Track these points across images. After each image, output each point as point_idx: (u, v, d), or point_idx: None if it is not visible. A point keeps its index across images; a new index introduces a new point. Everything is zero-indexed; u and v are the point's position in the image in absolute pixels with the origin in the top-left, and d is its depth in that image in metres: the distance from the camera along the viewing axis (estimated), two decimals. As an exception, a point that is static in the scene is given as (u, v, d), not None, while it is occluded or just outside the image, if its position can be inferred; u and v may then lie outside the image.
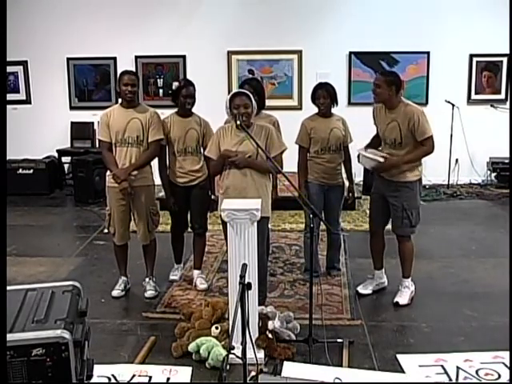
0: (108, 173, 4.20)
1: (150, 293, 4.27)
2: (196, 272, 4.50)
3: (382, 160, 3.86)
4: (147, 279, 4.35)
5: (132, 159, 4.10)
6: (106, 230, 4.54)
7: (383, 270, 4.30)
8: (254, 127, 3.81)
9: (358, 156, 4.06)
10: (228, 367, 2.85)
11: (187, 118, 4.25)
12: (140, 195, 4.17)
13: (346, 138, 4.38)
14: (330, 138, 4.30)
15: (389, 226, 4.17)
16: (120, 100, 4.18)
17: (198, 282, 4.43)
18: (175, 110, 4.31)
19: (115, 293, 4.30)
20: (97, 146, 8.31)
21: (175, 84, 4.24)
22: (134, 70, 7.85)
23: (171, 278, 4.57)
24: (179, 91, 4.18)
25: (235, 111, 3.70)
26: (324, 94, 4.25)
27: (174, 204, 4.34)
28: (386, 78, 3.85)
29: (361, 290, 4.25)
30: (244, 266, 2.58)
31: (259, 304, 3.73)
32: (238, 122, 3.68)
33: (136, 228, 4.28)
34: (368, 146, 4.10)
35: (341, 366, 3.21)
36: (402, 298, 4.06)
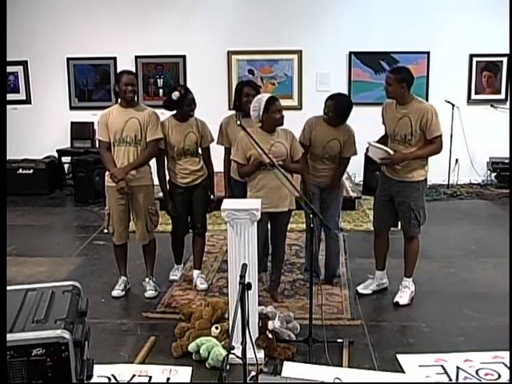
0: (107, 172, 4.20)
1: (150, 293, 4.27)
2: (196, 272, 4.50)
3: (391, 152, 3.87)
4: (147, 279, 4.35)
5: (130, 159, 4.10)
6: (105, 230, 4.54)
7: (385, 270, 4.30)
8: (278, 131, 3.95)
9: (367, 148, 4.04)
10: (228, 367, 2.84)
11: (185, 122, 4.24)
12: (138, 195, 4.17)
13: (346, 150, 4.22)
14: (326, 148, 4.20)
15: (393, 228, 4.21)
16: (119, 100, 4.17)
17: (198, 282, 4.43)
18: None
19: (115, 293, 4.30)
20: (97, 145, 8.31)
21: (175, 94, 4.10)
22: (133, 69, 7.87)
23: (171, 278, 4.57)
24: (182, 100, 4.11)
25: (277, 115, 3.86)
26: (331, 108, 4.12)
27: (173, 208, 4.33)
28: (396, 75, 3.86)
29: (361, 289, 4.25)
30: (244, 266, 2.58)
31: (274, 287, 4.20)
32: (238, 122, 3.77)
33: (135, 228, 4.28)
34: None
35: (341, 365, 3.21)
36: (403, 299, 4.06)
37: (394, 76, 3.87)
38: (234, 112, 4.37)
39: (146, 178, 4.21)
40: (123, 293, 4.33)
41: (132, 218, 4.27)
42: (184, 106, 4.15)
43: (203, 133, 4.28)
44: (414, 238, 4.08)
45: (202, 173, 4.33)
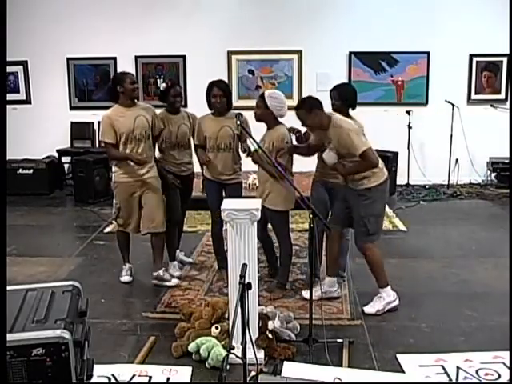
0: (115, 169, 4.33)
1: (174, 281, 4.45)
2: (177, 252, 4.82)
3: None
4: (162, 270, 4.46)
5: (143, 154, 4.27)
6: (113, 222, 4.62)
7: (335, 278, 4.15)
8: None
9: (323, 151, 3.93)
10: (228, 367, 2.84)
11: (177, 115, 4.48)
12: (154, 184, 4.35)
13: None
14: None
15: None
16: (121, 100, 4.24)
17: (181, 255, 4.90)
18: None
19: (125, 278, 4.49)
20: (97, 145, 8.32)
21: (163, 85, 4.45)
22: (134, 69, 7.92)
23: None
24: (168, 91, 4.40)
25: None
26: (336, 96, 4.14)
27: (174, 180, 4.46)
28: (304, 106, 3.74)
29: (305, 294, 4.05)
30: (244, 266, 2.58)
31: (275, 285, 4.28)
32: (238, 123, 3.85)
33: (148, 219, 4.35)
34: None
35: (341, 366, 3.21)
36: (370, 308, 3.91)
37: (303, 109, 3.71)
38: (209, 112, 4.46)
39: (156, 170, 4.41)
40: (132, 278, 4.50)
41: (146, 209, 4.35)
42: (170, 97, 4.38)
43: (194, 125, 4.48)
44: (367, 248, 3.88)
45: (191, 166, 4.61)
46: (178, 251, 4.81)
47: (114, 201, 4.42)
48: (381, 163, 3.84)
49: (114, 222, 4.58)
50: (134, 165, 4.24)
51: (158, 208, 4.36)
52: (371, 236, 3.86)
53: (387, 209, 6.85)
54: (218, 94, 4.24)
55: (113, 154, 4.33)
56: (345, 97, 4.14)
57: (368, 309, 3.92)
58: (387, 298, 3.94)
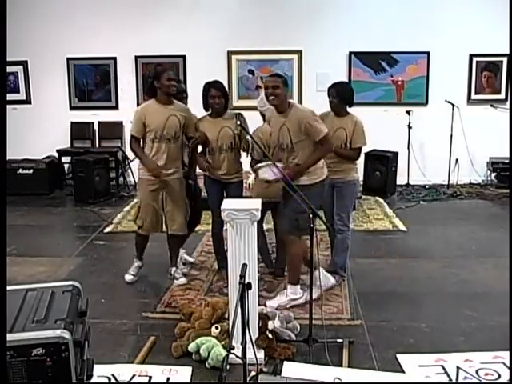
0: (139, 165, 4.33)
1: (182, 280, 4.46)
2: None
3: (280, 164, 3.76)
4: (174, 268, 4.49)
5: (170, 155, 4.25)
6: (134, 226, 4.57)
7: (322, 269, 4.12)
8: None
9: (256, 172, 3.92)
10: (228, 367, 2.84)
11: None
12: (177, 186, 4.33)
13: (353, 140, 4.25)
14: (333, 138, 4.16)
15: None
16: (158, 95, 4.21)
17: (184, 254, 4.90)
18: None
19: (129, 278, 4.46)
20: (97, 145, 8.33)
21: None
22: (134, 69, 7.93)
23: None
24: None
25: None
26: (334, 94, 4.21)
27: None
28: (281, 78, 3.83)
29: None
30: (244, 266, 2.58)
31: (279, 272, 4.43)
32: (238, 122, 3.86)
33: (169, 220, 4.36)
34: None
35: (341, 366, 3.21)
36: (271, 301, 3.94)
37: (280, 79, 3.78)
38: (207, 113, 4.45)
39: (181, 171, 4.38)
40: (136, 278, 4.47)
41: (167, 210, 4.34)
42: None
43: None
44: (290, 242, 3.88)
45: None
46: (181, 250, 4.80)
47: (136, 200, 4.41)
48: (322, 162, 3.91)
49: (133, 223, 4.54)
50: (158, 162, 4.21)
51: (180, 210, 4.36)
52: (300, 230, 3.81)
53: (387, 209, 6.88)
54: (216, 94, 4.23)
55: (133, 148, 4.31)
56: (342, 95, 4.21)
57: (269, 302, 3.92)
58: (291, 295, 3.97)
